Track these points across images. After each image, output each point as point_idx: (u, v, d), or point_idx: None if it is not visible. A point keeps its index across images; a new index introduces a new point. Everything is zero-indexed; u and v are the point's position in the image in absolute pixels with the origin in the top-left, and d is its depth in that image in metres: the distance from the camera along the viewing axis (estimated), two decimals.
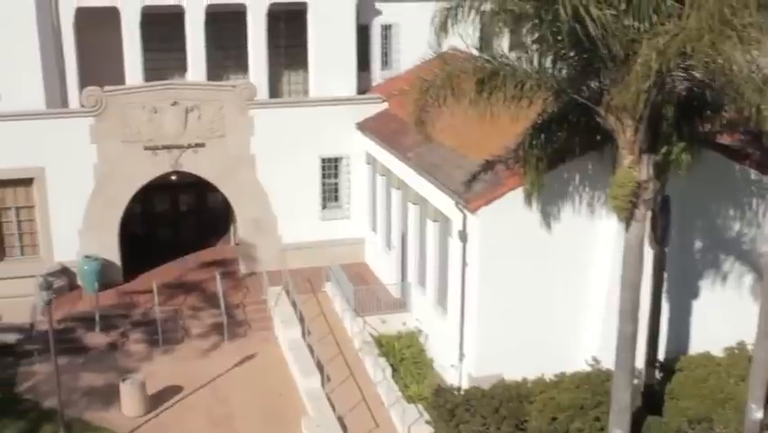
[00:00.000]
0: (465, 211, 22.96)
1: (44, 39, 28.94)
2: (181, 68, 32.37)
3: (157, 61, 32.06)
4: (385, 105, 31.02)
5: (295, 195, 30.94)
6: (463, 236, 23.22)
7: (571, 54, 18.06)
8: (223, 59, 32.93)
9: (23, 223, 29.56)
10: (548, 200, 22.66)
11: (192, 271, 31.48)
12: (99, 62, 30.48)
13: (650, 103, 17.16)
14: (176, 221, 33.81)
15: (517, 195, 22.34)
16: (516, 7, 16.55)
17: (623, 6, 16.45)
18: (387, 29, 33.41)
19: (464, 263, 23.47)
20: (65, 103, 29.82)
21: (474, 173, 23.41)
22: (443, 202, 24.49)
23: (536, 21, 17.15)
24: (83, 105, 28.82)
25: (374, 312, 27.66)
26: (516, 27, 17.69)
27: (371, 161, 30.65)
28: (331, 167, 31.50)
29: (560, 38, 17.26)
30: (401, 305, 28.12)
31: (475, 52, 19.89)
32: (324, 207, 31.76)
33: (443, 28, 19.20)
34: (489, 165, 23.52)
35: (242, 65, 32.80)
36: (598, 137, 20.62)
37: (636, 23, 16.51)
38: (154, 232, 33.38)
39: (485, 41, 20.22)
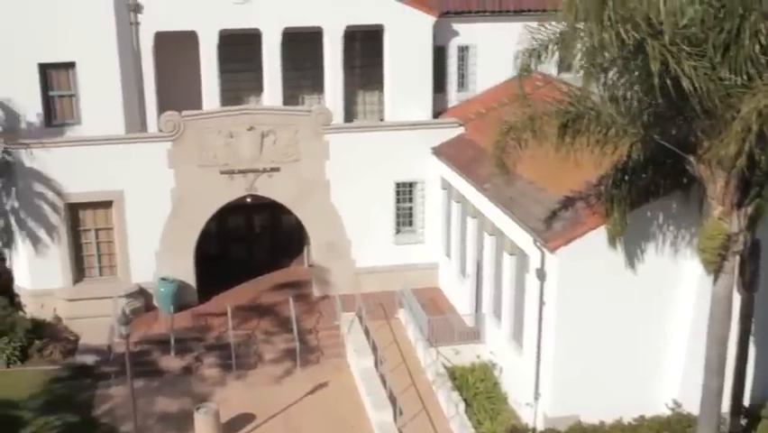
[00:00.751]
0: (544, 250, 22.53)
1: (124, 63, 29.24)
2: (257, 88, 32.50)
3: (232, 82, 32.27)
4: (461, 130, 30.65)
5: (369, 219, 30.81)
6: (541, 275, 22.80)
7: (660, 102, 17.52)
8: (298, 79, 32.92)
9: (102, 244, 29.91)
10: (630, 239, 22.04)
11: (265, 293, 31.54)
12: (174, 84, 30.76)
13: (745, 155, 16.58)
14: (250, 240, 33.93)
15: (598, 234, 21.82)
16: (605, 62, 16.04)
17: (718, 58, 15.89)
18: (463, 50, 32.97)
19: (541, 301, 23.06)
20: (144, 127, 30.05)
21: (554, 210, 22.98)
22: (520, 237, 24.07)
23: (624, 72, 16.64)
24: (161, 130, 29.04)
25: (447, 342, 27.34)
26: (603, 77, 17.21)
27: (447, 186, 30.34)
28: (405, 191, 31.25)
29: (649, 86, 16.73)
30: (475, 335, 27.75)
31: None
32: (398, 231, 31.54)
33: (525, 69, 18.83)
34: (568, 201, 23.06)
35: (317, 85, 32.80)
36: (685, 180, 20.11)
37: (732, 76, 15.90)
38: (228, 251, 33.59)
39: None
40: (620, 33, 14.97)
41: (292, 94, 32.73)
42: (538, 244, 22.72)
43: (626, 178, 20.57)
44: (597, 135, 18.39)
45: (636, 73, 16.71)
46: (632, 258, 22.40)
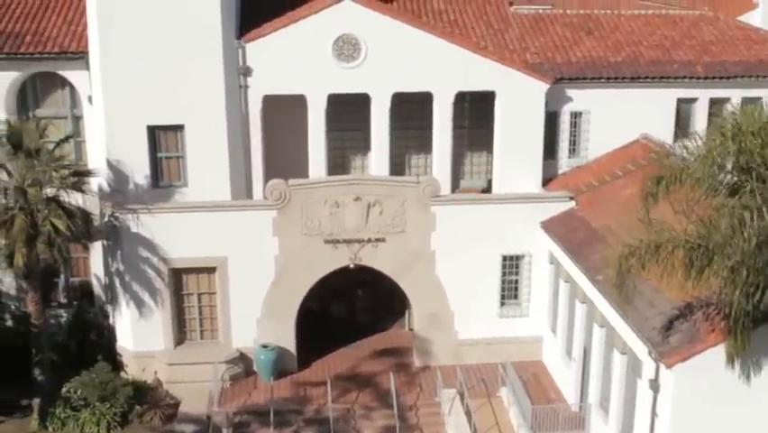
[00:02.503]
0: (659, 363, 21.52)
1: (232, 126, 29.13)
2: (363, 148, 32.23)
3: (338, 141, 32.02)
4: (571, 203, 29.66)
5: (473, 291, 30.08)
6: (655, 387, 21.78)
7: None
8: (404, 139, 32.41)
9: (204, 308, 29.92)
10: (750, 356, 20.91)
11: (365, 360, 31.10)
12: (278, 145, 30.61)
13: None
14: (352, 299, 33.56)
15: (718, 352, 20.71)
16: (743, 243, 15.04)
17: None
18: (576, 116, 31.89)
19: (654, 413, 22.08)
20: (249, 192, 29.94)
21: (671, 318, 21.92)
22: (632, 339, 23.07)
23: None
24: (266, 198, 28.84)
25: (551, 431, 26.52)
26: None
27: (554, 261, 29.40)
28: (512, 264, 30.40)
29: None
30: (579, 424, 26.85)
31: None
32: (502, 304, 30.72)
33: (653, 198, 17.91)
34: (686, 308, 21.96)
35: (423, 145, 32.30)
36: None
37: None
38: (329, 308, 33.27)
39: None
40: (762, 209, 13.95)
41: (398, 153, 32.24)
42: (653, 355, 21.72)
43: (751, 300, 19.41)
44: (725, 273, 17.35)
45: None
46: (752, 376, 21.21)
